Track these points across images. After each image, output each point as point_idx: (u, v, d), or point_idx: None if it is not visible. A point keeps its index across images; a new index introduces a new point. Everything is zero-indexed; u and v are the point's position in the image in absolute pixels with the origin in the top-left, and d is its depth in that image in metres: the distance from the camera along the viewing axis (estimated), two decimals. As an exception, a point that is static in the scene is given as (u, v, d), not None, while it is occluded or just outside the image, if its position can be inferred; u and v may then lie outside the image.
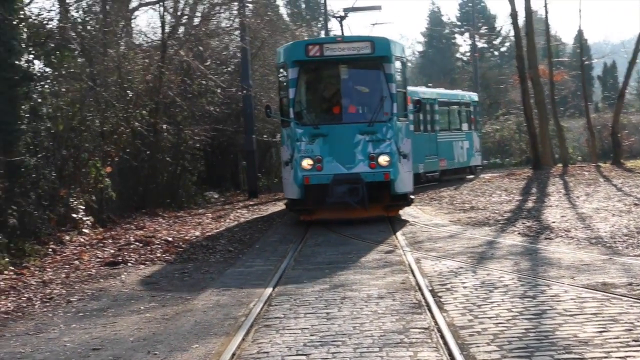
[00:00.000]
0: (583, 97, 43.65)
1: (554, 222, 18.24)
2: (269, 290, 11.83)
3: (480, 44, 78.36)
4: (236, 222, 22.61)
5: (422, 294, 10.91)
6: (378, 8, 25.39)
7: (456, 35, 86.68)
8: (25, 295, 12.58)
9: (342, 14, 25.05)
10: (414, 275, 12.45)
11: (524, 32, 40.30)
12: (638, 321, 8.73)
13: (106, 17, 24.06)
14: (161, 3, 29.14)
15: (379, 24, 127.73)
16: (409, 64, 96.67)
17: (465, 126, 38.50)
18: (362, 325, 9.30)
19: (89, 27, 23.80)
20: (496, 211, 21.58)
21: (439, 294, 10.89)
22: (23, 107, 17.18)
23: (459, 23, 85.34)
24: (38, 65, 20.01)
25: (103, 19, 24.61)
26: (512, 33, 43.30)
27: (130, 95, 22.37)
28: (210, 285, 12.83)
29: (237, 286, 12.52)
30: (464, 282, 11.67)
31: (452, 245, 15.84)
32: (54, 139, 18.38)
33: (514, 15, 38.99)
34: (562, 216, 19.29)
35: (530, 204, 23.04)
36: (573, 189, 26.20)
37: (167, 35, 26.32)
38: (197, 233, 19.84)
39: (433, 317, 9.49)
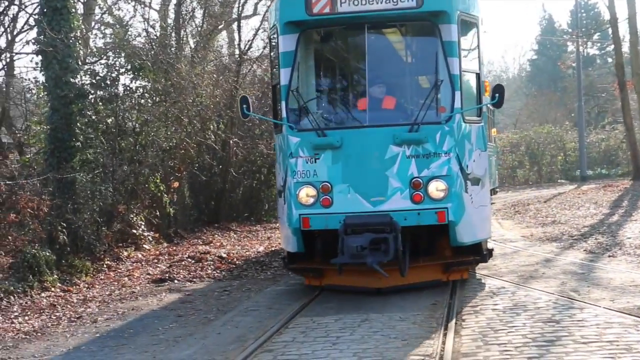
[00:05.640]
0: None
1: (628, 238, 17.26)
2: (293, 310, 11.45)
3: (592, 51, 76.00)
4: (308, 237, 22.27)
5: (447, 316, 10.35)
6: None
7: (568, 43, 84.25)
8: (58, 313, 12.58)
9: None
10: (450, 296, 11.85)
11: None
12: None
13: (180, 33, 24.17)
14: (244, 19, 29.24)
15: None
16: (523, 73, 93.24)
17: (493, 138, 29.43)
18: (365, 351, 8.85)
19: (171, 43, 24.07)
20: (575, 225, 20.68)
21: (464, 317, 10.33)
22: (78, 124, 17.36)
23: (569, 30, 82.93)
24: (122, 81, 20.26)
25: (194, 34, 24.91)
26: (627, 38, 41.42)
27: (199, 110, 22.31)
28: (241, 304, 12.54)
29: (266, 306, 12.18)
30: (496, 304, 11.05)
31: (508, 262, 15.13)
32: (115, 155, 18.44)
33: (613, 21, 37.62)
34: (641, 231, 18.29)
35: (615, 218, 21.96)
36: (667, 202, 24.93)
37: (244, 51, 26.23)
38: (261, 248, 19.62)
39: (444, 342, 8.98)
